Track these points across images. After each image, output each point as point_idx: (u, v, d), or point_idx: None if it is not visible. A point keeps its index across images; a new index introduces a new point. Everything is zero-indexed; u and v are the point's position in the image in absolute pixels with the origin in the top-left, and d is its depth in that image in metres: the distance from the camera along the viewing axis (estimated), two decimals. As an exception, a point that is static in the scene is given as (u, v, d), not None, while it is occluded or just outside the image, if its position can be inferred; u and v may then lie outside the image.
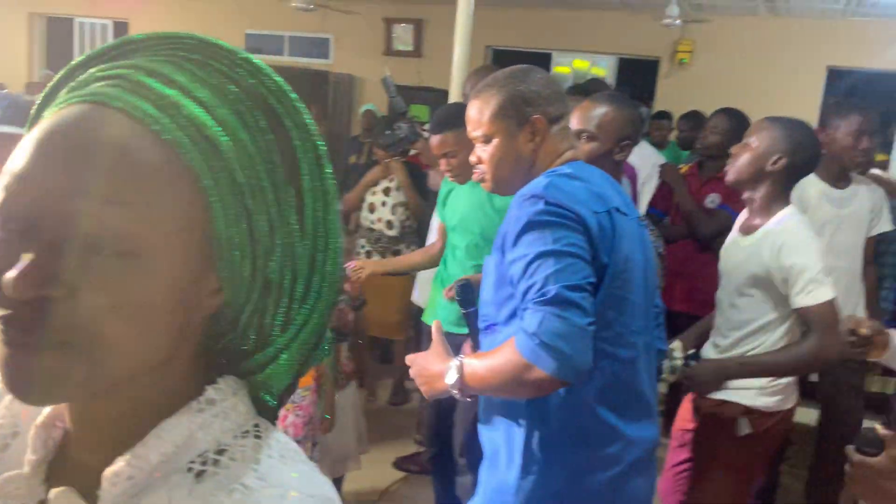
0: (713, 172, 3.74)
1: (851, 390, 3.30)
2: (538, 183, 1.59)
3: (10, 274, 0.49)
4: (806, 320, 2.15)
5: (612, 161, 2.39)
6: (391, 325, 4.30)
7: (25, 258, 0.50)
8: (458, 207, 2.84)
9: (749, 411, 2.26)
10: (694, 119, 5.44)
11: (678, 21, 5.85)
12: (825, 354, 2.12)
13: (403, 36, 8.99)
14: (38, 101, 0.60)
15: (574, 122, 2.30)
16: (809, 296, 2.11)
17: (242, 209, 0.56)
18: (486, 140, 1.71)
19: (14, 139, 0.54)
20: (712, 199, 3.73)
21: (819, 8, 6.63)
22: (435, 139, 2.75)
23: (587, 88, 3.80)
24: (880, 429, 1.36)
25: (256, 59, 0.59)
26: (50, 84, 0.60)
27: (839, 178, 3.18)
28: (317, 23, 8.39)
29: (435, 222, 3.28)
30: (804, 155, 2.24)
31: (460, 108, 2.38)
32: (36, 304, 0.50)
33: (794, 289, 2.14)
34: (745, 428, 2.26)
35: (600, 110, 2.38)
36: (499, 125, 1.68)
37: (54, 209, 0.50)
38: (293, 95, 0.59)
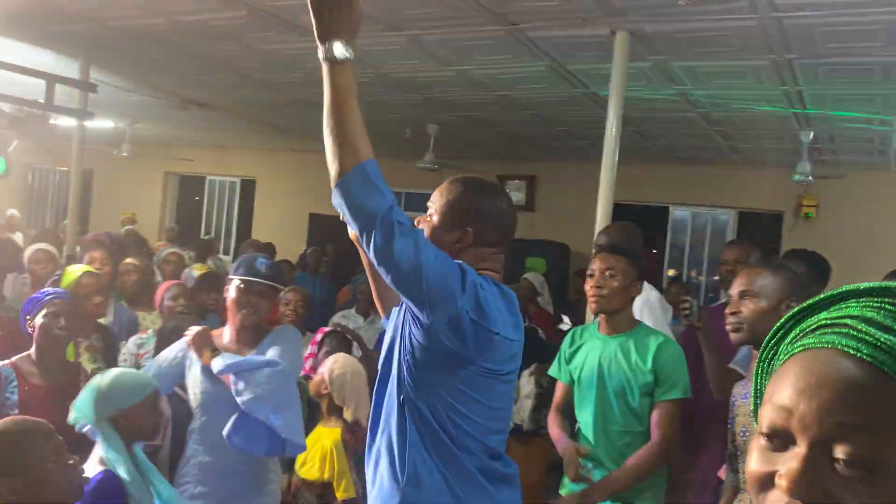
0: None
1: None
2: None
3: (789, 478, 0.64)
4: None
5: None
6: (529, 486, 4.06)
7: (791, 467, 0.64)
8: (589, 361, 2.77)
9: None
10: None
11: (810, 177, 5.74)
12: None
13: (515, 191, 9.22)
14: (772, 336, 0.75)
15: (739, 285, 2.32)
16: None
17: None
18: (429, 216, 1.89)
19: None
20: None
21: (957, 162, 6.43)
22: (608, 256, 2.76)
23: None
24: None
25: None
26: (781, 322, 0.75)
27: None
28: (433, 180, 8.70)
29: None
30: None
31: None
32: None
33: None
34: None
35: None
36: (443, 214, 1.86)
37: (814, 432, 0.64)
38: None
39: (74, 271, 3.43)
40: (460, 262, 1.70)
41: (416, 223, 1.88)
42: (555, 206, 8.92)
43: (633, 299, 2.75)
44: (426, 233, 1.83)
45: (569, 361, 2.87)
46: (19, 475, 1.75)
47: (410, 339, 1.71)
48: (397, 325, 1.81)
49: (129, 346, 3.49)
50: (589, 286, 2.71)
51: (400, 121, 7.02)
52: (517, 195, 9.26)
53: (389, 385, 1.80)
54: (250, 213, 11.12)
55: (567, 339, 2.94)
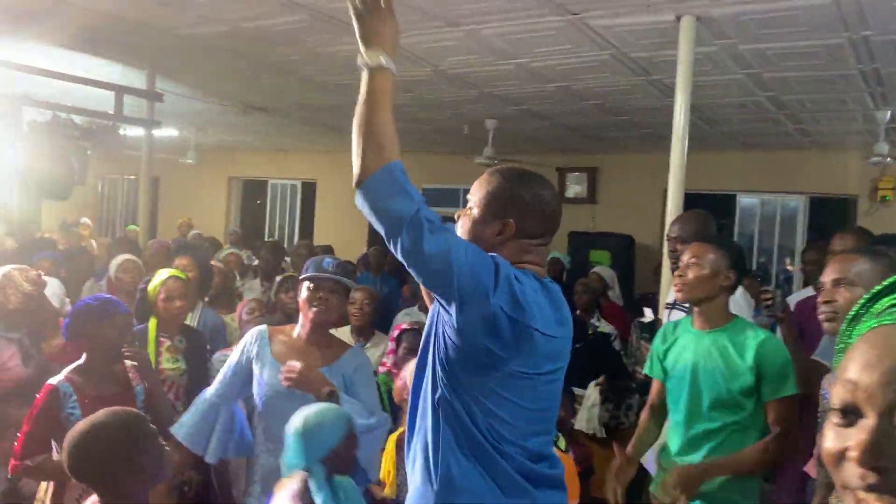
0: None
1: None
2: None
3: (859, 449, 0.66)
4: None
5: None
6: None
7: (860, 439, 0.66)
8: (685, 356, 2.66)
9: None
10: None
11: (888, 159, 5.50)
12: None
13: (576, 184, 9.11)
14: (851, 315, 0.77)
15: (833, 272, 2.18)
16: None
17: None
18: (469, 209, 1.82)
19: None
20: None
21: None
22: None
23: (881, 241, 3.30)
24: None
25: None
26: (855, 309, 0.77)
27: None
28: (492, 175, 8.67)
29: None
30: None
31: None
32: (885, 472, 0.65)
33: None
34: None
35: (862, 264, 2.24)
36: (483, 206, 1.79)
37: (878, 401, 0.66)
38: None
39: (162, 274, 3.53)
40: (494, 255, 1.65)
41: (456, 217, 1.86)
42: (618, 197, 8.78)
43: (724, 289, 2.57)
44: (467, 226, 1.79)
45: (663, 358, 2.75)
46: (142, 459, 1.83)
47: (444, 337, 1.66)
48: (432, 322, 1.76)
49: (213, 362, 3.50)
50: (675, 276, 2.65)
51: (458, 116, 7.00)
52: (578, 188, 9.15)
53: (424, 383, 1.76)
54: (311, 215, 11.26)
55: (658, 335, 2.84)
